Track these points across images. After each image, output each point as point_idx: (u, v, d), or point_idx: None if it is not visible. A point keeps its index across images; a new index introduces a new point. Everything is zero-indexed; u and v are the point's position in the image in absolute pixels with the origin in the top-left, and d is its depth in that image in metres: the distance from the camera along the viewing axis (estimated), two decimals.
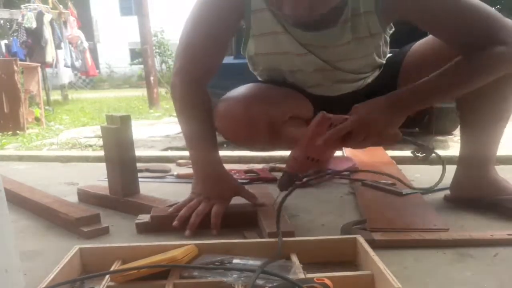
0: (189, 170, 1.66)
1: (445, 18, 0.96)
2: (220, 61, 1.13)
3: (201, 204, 1.04)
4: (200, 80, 1.11)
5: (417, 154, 1.15)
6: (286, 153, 1.93)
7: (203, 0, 1.07)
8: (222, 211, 1.04)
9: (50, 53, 7.11)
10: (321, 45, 1.08)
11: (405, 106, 0.97)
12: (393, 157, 1.77)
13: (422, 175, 1.55)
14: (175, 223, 1.02)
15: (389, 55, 1.22)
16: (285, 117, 1.12)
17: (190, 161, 1.78)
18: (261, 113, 1.07)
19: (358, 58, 1.10)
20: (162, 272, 0.75)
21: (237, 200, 1.13)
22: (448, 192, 1.22)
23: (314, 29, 1.03)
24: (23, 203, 1.28)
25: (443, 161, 1.21)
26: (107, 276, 0.74)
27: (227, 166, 1.14)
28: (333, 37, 1.05)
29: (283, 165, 1.73)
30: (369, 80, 1.22)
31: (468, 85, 0.98)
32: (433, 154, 1.17)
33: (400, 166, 1.62)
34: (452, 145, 2.71)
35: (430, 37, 1.14)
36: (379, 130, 0.96)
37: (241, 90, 1.14)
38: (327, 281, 0.67)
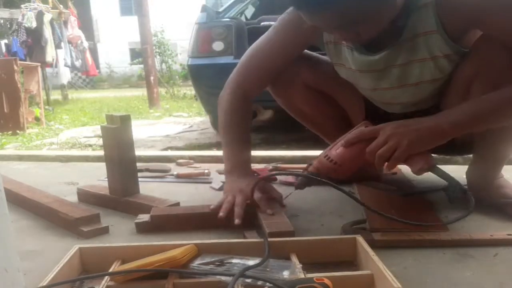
0: (189, 170, 1.67)
1: None
2: (272, 77, 1.24)
3: (236, 198, 1.07)
4: (250, 93, 1.23)
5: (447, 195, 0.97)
6: (287, 153, 1.94)
7: (280, 29, 1.17)
8: (245, 202, 1.06)
9: (50, 53, 7.10)
10: (379, 68, 1.07)
11: (440, 133, 0.94)
12: None
13: (422, 175, 1.54)
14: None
15: None
16: (320, 84, 1.25)
17: (190, 160, 1.85)
18: (307, 73, 1.22)
19: (410, 85, 1.07)
20: (162, 272, 0.75)
21: None
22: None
23: (377, 49, 1.04)
24: (23, 203, 1.28)
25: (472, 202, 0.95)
26: (106, 276, 0.74)
27: None
28: (390, 58, 1.04)
29: (284, 165, 1.74)
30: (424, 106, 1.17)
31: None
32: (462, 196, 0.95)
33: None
34: None
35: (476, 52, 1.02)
36: (406, 145, 0.92)
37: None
38: (327, 281, 0.67)
